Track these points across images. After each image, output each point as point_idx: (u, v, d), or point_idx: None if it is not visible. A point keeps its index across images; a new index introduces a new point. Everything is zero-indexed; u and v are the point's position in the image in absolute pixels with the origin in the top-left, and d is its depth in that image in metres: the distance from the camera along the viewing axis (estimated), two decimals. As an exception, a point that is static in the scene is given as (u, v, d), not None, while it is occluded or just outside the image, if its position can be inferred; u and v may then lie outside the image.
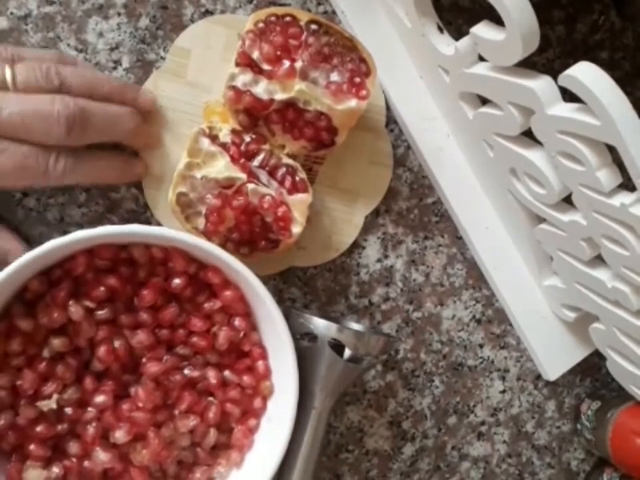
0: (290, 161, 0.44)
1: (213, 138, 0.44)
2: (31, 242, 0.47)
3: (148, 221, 0.48)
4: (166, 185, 0.46)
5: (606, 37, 0.55)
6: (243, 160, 0.44)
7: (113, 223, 0.48)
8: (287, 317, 0.45)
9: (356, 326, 0.50)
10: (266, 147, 0.44)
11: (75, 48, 0.47)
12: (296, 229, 0.44)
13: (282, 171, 0.44)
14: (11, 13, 0.46)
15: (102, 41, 0.47)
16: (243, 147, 0.44)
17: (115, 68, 0.47)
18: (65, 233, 0.47)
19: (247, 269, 0.42)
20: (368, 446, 0.52)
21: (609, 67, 0.55)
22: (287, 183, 0.44)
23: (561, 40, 0.54)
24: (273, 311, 0.42)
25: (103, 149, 0.44)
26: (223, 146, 0.44)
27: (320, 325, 0.44)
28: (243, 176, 0.43)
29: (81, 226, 0.47)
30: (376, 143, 0.50)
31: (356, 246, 0.51)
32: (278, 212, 0.43)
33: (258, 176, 0.44)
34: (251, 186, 0.43)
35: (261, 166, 0.44)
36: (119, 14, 0.47)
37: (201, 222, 0.44)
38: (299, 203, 0.44)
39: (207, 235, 0.44)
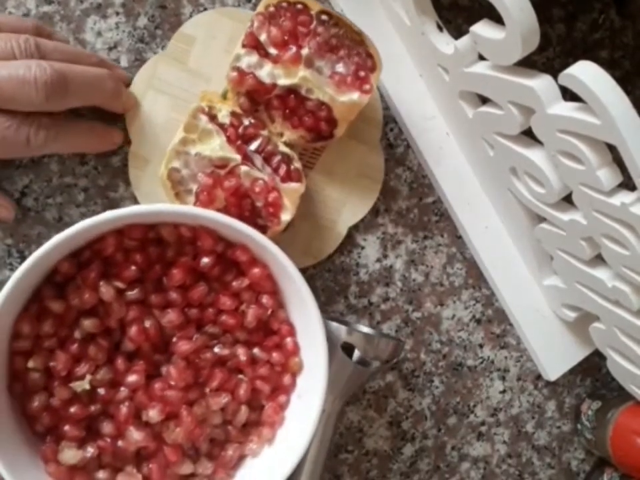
0: (286, 150, 0.44)
1: (212, 117, 0.44)
2: (29, 242, 0.47)
3: (147, 221, 0.48)
4: (151, 167, 0.47)
5: (606, 35, 0.55)
6: (239, 142, 0.44)
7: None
8: None
9: (365, 329, 0.50)
10: (264, 132, 0.44)
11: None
12: (285, 217, 0.44)
13: (277, 158, 0.44)
14: (10, 13, 0.46)
15: (100, 40, 0.47)
16: (240, 130, 0.44)
17: (113, 67, 0.47)
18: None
19: (275, 246, 0.42)
20: (368, 446, 0.52)
21: (609, 65, 0.55)
22: (282, 171, 0.44)
23: (561, 39, 0.54)
24: (301, 288, 0.42)
25: (80, 118, 0.44)
26: (221, 126, 0.44)
27: (330, 327, 0.44)
28: (238, 157, 0.43)
29: (79, 226, 0.47)
30: (369, 155, 0.50)
31: (355, 246, 0.51)
32: (269, 197, 0.44)
33: (253, 160, 0.44)
34: (244, 168, 0.43)
35: (257, 151, 0.44)
36: (117, 13, 0.47)
37: (190, 200, 0.44)
38: (291, 192, 0.44)
39: None
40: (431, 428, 0.53)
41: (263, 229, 0.45)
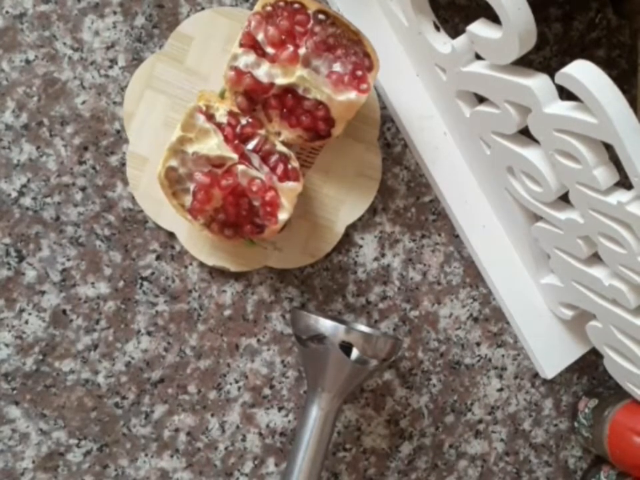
0: (284, 149, 0.45)
1: (209, 116, 0.44)
2: (27, 242, 0.47)
3: (145, 220, 0.48)
4: (149, 166, 0.47)
5: (602, 34, 0.55)
6: (236, 141, 0.44)
7: (109, 222, 0.48)
8: (295, 317, 0.45)
9: (363, 327, 0.50)
10: (261, 132, 0.45)
11: (70, 47, 0.47)
12: (282, 216, 0.44)
13: (275, 157, 0.45)
14: (7, 12, 0.46)
15: (98, 39, 0.47)
16: (238, 129, 0.44)
17: (111, 67, 0.47)
18: (61, 232, 0.47)
19: None
20: (365, 444, 0.52)
21: (606, 64, 0.55)
22: (279, 170, 0.44)
23: (558, 38, 0.54)
24: None
25: None
26: (218, 125, 0.44)
27: (328, 326, 0.44)
28: (235, 156, 0.44)
29: (77, 225, 0.47)
30: (366, 155, 0.50)
31: (353, 245, 0.51)
32: (266, 196, 0.44)
33: (250, 159, 0.44)
34: (241, 167, 0.44)
35: (255, 150, 0.44)
36: (115, 12, 0.47)
37: (187, 199, 0.44)
38: (289, 191, 0.44)
39: (193, 213, 0.45)
40: (429, 426, 0.53)
41: (260, 229, 0.45)
